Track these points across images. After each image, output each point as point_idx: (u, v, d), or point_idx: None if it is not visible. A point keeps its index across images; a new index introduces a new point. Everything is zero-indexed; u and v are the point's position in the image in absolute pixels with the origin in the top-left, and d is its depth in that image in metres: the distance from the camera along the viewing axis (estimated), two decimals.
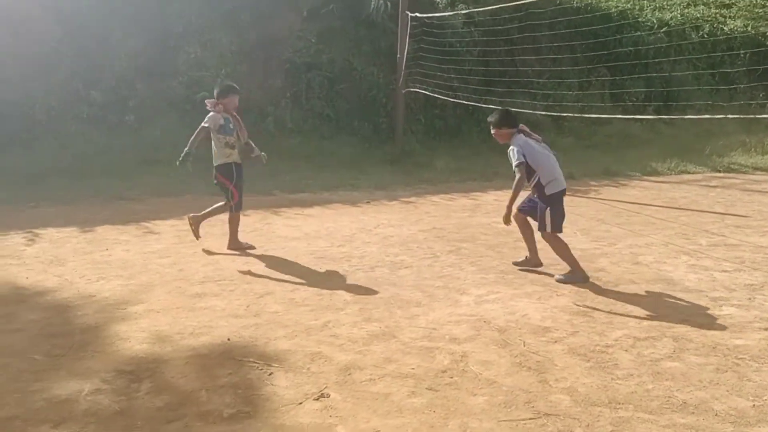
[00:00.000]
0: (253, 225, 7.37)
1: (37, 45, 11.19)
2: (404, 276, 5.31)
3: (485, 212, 8.08)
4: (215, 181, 6.26)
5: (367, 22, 13.25)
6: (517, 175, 5.15)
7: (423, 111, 13.78)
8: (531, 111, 12.66)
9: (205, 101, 6.17)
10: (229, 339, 3.95)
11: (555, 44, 15.23)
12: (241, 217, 6.45)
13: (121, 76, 11.58)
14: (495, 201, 8.84)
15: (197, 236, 6.37)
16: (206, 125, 5.94)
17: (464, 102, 12.38)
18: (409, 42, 12.32)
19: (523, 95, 14.03)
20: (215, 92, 6.09)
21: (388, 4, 12.69)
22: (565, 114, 12.65)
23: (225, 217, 6.36)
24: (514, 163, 5.15)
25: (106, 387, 3.30)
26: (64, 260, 5.83)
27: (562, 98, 14.60)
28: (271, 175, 10.18)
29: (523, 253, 5.72)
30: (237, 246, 6.24)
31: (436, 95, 12.20)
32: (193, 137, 5.96)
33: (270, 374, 3.44)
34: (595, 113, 13.95)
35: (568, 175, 10.76)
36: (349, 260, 5.81)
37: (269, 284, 5.11)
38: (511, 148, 5.27)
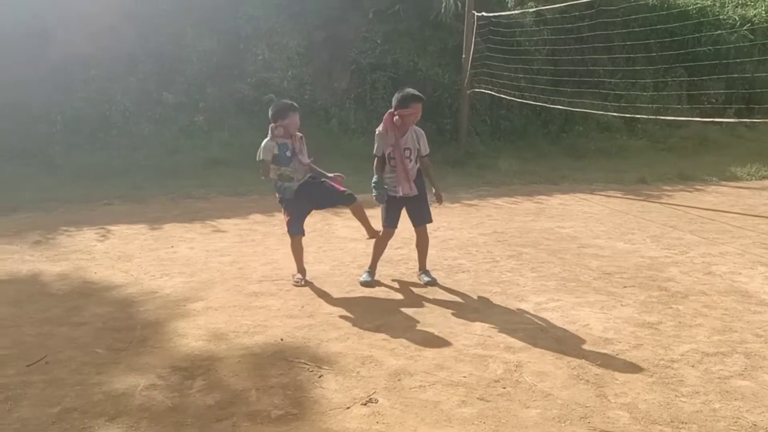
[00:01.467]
0: (314, 225, 7.40)
1: (115, 48, 11.67)
2: (461, 280, 5.22)
3: (549, 216, 7.86)
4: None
5: (435, 22, 13.15)
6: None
7: (488, 112, 13.57)
8: (602, 112, 12.27)
9: (270, 128, 5.19)
10: (282, 339, 3.97)
11: (628, 43, 14.69)
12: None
13: (192, 79, 11.93)
14: (560, 205, 8.59)
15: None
16: (263, 158, 5.08)
17: (531, 102, 12.10)
18: (475, 41, 12.15)
19: (594, 96, 13.59)
20: (270, 113, 5.17)
21: (459, 3, 12.55)
22: (638, 116, 12.19)
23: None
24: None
25: (161, 383, 3.37)
26: (131, 256, 6.03)
27: (635, 99, 14.07)
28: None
29: (585, 261, 5.52)
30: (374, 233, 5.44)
31: (502, 95, 11.98)
32: (266, 176, 5.22)
33: (320, 376, 3.43)
34: (671, 115, 13.42)
35: (639, 180, 10.47)
36: (406, 263, 5.76)
37: (326, 285, 5.12)
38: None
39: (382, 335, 4.02)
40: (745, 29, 15.28)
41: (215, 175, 10.30)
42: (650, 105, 13.86)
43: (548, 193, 9.50)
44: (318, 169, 5.54)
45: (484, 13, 11.32)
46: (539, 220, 7.61)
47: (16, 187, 9.29)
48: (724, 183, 10.56)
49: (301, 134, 5.37)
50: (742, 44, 14.99)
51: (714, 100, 14.82)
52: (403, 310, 4.50)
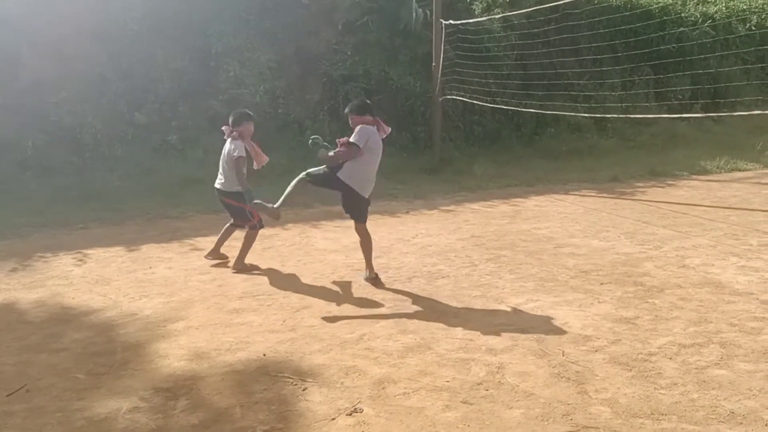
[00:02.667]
0: (292, 239, 7.43)
1: (85, 71, 11.58)
2: (441, 286, 5.26)
3: (525, 218, 7.95)
4: (223, 204, 6.37)
5: (404, 32, 13.26)
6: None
7: (461, 118, 13.69)
8: (572, 113, 12.45)
9: (222, 128, 6.27)
10: (264, 354, 3.97)
11: (594, 44, 14.96)
12: (282, 231, 6.51)
13: (164, 98, 11.87)
14: (536, 207, 8.69)
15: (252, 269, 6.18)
16: (243, 155, 6.00)
17: (503, 107, 12.25)
18: (444, 49, 12.29)
19: (564, 97, 13.81)
20: (230, 120, 6.17)
21: (427, 12, 12.68)
22: (608, 115, 12.40)
23: (250, 233, 6.31)
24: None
25: (143, 405, 3.35)
26: (109, 279, 5.98)
27: (604, 99, 14.31)
28: (312, 188, 10.25)
29: (561, 260, 5.60)
30: (243, 267, 6.10)
31: (474, 101, 12.10)
32: (240, 176, 6.02)
33: (304, 389, 3.44)
34: (640, 113, 13.67)
35: (612, 178, 10.64)
36: (386, 271, 5.79)
37: (306, 298, 5.13)
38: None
39: (365, 344, 4.04)
40: (707, 26, 15.64)
41: (191, 193, 10.24)
42: (619, 104, 14.11)
43: (524, 195, 9.62)
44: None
45: (451, 21, 11.45)
46: (516, 223, 7.70)
47: None
48: (694, 177, 10.77)
49: (256, 140, 6.42)
50: (704, 40, 15.33)
51: (680, 97, 15.11)
52: (385, 318, 4.52)
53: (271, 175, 11.11)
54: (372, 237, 5.63)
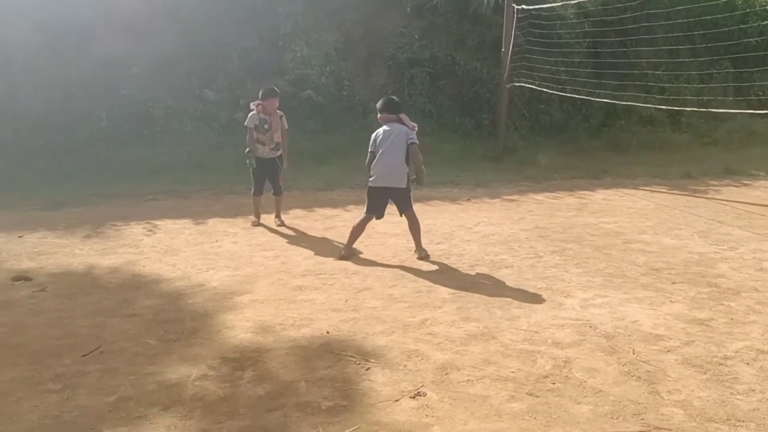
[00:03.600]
0: (354, 220, 7.44)
1: (157, 47, 11.88)
2: (505, 276, 5.18)
3: (592, 212, 7.74)
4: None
5: (473, 16, 13.06)
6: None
7: (527, 106, 13.43)
8: (646, 104, 12.00)
9: (251, 104, 7.19)
10: (328, 332, 4.00)
11: (672, 35, 14.37)
12: (343, 212, 6.62)
13: (233, 76, 12.07)
14: (603, 200, 8.46)
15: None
16: (247, 125, 7.08)
17: (573, 96, 11.91)
18: (515, 35, 12.03)
19: (636, 89, 13.31)
20: (259, 94, 7.08)
21: None
22: (682, 108, 11.92)
23: (329, 212, 6.51)
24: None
25: (212, 373, 3.43)
26: (178, 250, 6.14)
27: (679, 92, 13.74)
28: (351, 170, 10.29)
29: (631, 256, 5.43)
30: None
31: (544, 89, 11.82)
32: (250, 139, 7.11)
33: (367, 369, 3.45)
34: (716, 108, 13.07)
35: (684, 174, 10.25)
36: (448, 258, 5.74)
37: (368, 279, 5.14)
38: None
39: (427, 329, 4.02)
40: None
41: None
42: (695, 98, 13.55)
43: (590, 188, 9.37)
44: (284, 153, 7.31)
45: (524, 6, 11.18)
46: (582, 216, 7.51)
47: (63, 183, 9.56)
48: None
49: (281, 113, 7.21)
50: None
51: (761, 93, 14.38)
52: (448, 305, 4.49)
53: (334, 156, 11.25)
54: (424, 224, 5.83)
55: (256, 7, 12.51)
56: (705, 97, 13.72)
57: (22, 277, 5.21)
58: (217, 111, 11.83)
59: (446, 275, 5.22)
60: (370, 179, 5.82)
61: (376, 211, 5.87)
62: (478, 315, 4.27)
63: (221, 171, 10.36)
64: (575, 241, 6.31)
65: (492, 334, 3.93)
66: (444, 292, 4.78)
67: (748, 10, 14.87)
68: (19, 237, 6.67)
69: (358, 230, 5.95)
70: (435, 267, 5.48)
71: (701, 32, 14.51)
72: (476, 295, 4.70)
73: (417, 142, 5.75)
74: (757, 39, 14.47)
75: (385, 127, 5.81)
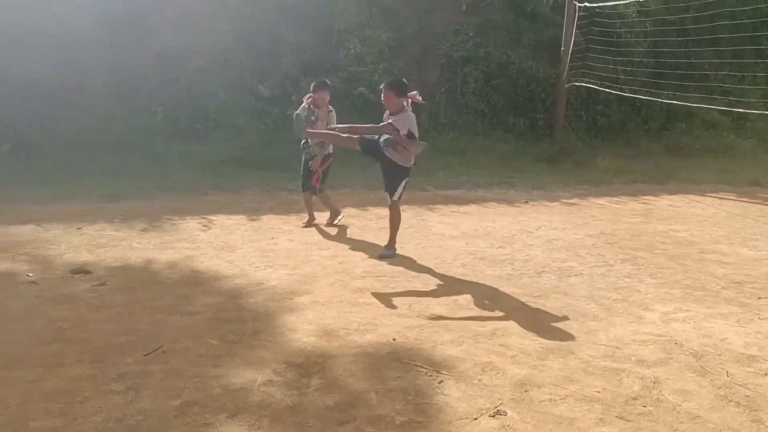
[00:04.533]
0: (409, 221, 7.27)
1: (212, 41, 11.93)
2: (575, 284, 4.93)
3: (660, 218, 7.40)
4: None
5: (530, 14, 12.73)
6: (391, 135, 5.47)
7: (584, 107, 13.06)
8: (709, 106, 11.51)
9: (304, 97, 6.93)
10: (394, 339, 3.83)
11: (736, 35, 13.78)
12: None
13: (286, 72, 12.02)
14: (669, 206, 8.10)
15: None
16: (298, 112, 6.82)
17: (635, 96, 11.50)
18: (575, 34, 11.68)
19: (698, 91, 12.79)
20: (311, 86, 6.87)
21: None
22: (747, 111, 11.38)
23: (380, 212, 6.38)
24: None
25: (278, 379, 3.29)
26: (234, 247, 6.07)
27: (743, 95, 13.16)
28: (424, 170, 10.08)
29: (708, 268, 5.11)
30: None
31: (606, 89, 11.44)
32: (296, 129, 6.82)
33: (440, 382, 3.26)
34: None
35: (752, 181, 9.76)
36: (512, 263, 5.51)
37: (430, 283, 4.95)
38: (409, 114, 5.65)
39: (499, 340, 3.81)
40: None
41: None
42: (761, 101, 12.95)
43: (654, 193, 8.99)
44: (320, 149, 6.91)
45: (587, 4, 10.82)
46: (649, 222, 7.17)
47: (122, 176, 9.64)
48: None
49: (332, 109, 6.93)
50: None
51: None
52: (518, 314, 4.27)
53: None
54: (482, 226, 5.63)
55: (312, 3, 12.43)
56: None
57: (82, 270, 5.19)
58: (270, 107, 11.80)
59: (512, 282, 4.99)
60: (413, 163, 5.81)
61: None
62: (551, 326, 4.04)
63: (272, 167, 10.32)
64: (646, 249, 6.00)
65: (569, 348, 3.70)
66: (512, 300, 4.56)
67: None
68: (78, 229, 6.70)
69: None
70: (500, 272, 5.26)
71: (767, 33, 13.86)
72: (547, 304, 4.46)
73: None
74: None
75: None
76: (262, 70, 12.03)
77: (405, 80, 5.95)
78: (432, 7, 13.05)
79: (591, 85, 11.67)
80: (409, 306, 4.43)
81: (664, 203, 8.30)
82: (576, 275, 5.17)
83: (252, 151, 10.82)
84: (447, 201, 8.41)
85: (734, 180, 9.82)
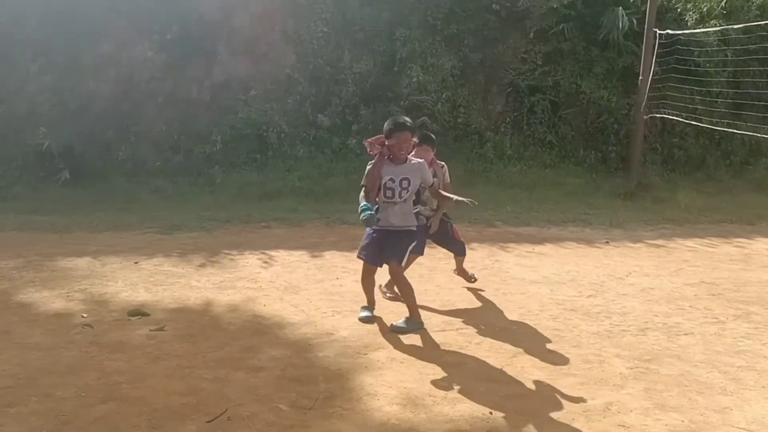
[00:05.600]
0: (482, 261, 6.76)
1: (274, 69, 11.77)
2: (688, 346, 4.30)
3: (762, 265, 6.67)
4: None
5: (603, 41, 12.14)
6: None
7: (659, 139, 12.33)
8: None
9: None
10: (491, 413, 3.30)
11: None
12: (468, 251, 5.87)
13: (347, 101, 11.74)
14: (767, 250, 7.34)
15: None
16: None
17: (716, 127, 10.75)
18: (667, 62, 11.03)
19: None
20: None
21: (634, 21, 11.52)
22: None
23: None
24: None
25: None
26: (297, 287, 5.66)
27: None
28: (490, 205, 9.58)
29: None
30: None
31: (689, 121, 10.74)
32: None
33: None
34: None
35: None
36: (609, 317, 4.91)
37: (521, 340, 4.40)
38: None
39: (616, 419, 3.23)
40: None
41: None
42: None
43: (746, 235, 8.23)
44: (449, 200, 5.02)
45: (669, 31, 10.19)
46: (752, 270, 6.46)
47: (179, 205, 9.46)
48: None
49: (443, 164, 5.70)
50: None
51: None
52: (630, 383, 3.68)
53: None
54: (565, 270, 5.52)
55: (373, 30, 12.18)
56: None
57: (140, 312, 4.84)
58: (330, 137, 11.51)
59: (614, 340, 4.40)
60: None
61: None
62: (676, 402, 3.43)
63: (332, 198, 9.99)
64: (758, 303, 5.31)
65: (702, 431, 3.10)
66: (619, 364, 3.97)
67: None
68: (135, 263, 6.42)
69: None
70: (597, 327, 4.67)
71: None
72: (662, 371, 3.85)
73: None
74: None
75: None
76: (322, 98, 11.80)
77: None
78: (497, 35, 12.62)
79: (671, 117, 10.96)
80: (501, 368, 3.89)
81: (762, 247, 7.54)
82: (686, 334, 4.53)
83: (311, 182, 10.53)
84: (519, 239, 7.85)
85: None
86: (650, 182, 10.90)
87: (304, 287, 5.67)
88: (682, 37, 11.29)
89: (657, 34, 10.38)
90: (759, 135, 10.94)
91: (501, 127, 12.15)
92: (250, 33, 11.87)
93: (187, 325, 4.64)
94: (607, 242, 7.77)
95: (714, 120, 11.72)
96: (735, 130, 11.02)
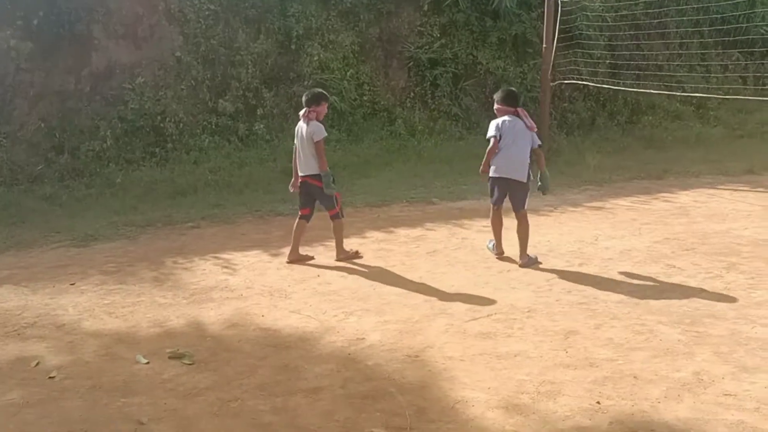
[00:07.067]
0: (449, 241, 6.59)
1: (161, 54, 10.69)
2: (713, 304, 4.42)
3: (704, 216, 7.12)
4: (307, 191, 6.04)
5: (494, 11, 12.34)
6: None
7: (552, 104, 12.81)
8: (665, 92, 11.61)
9: (300, 113, 5.98)
10: (598, 402, 3.14)
11: (681, 29, 14.15)
12: (426, 231, 5.84)
13: (248, 84, 10.97)
14: (696, 203, 7.87)
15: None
16: (325, 135, 5.85)
17: (619, 88, 11.43)
18: (542, 30, 11.41)
19: (658, 85, 12.90)
20: (305, 99, 5.92)
21: None
22: (693, 95, 11.74)
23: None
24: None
25: None
26: (284, 291, 5.16)
27: (697, 85, 13.42)
28: (419, 182, 9.44)
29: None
30: (346, 255, 5.96)
31: (598, 85, 11.36)
32: (322, 156, 5.80)
33: None
34: (738, 100, 12.81)
35: (747, 170, 9.81)
36: (617, 284, 4.95)
37: (557, 319, 4.29)
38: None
39: (717, 388, 3.21)
40: None
41: None
42: (717, 89, 13.27)
43: (666, 190, 8.76)
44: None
45: None
46: (699, 222, 6.86)
47: (81, 212, 8.34)
48: None
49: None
50: None
51: None
52: (697, 348, 3.70)
53: (368, 168, 10.32)
54: (535, 240, 5.78)
55: (265, 7, 11.43)
56: (723, 89, 13.45)
57: (182, 354, 4.00)
58: (234, 123, 10.71)
59: (643, 307, 4.42)
60: (493, 168, 5.74)
61: (499, 201, 5.86)
62: (752, 362, 3.49)
63: (255, 190, 9.31)
64: (732, 253, 5.63)
65: None
66: (668, 331, 3.99)
67: None
68: (72, 284, 5.52)
69: (497, 224, 5.89)
70: (616, 297, 4.67)
71: (711, 27, 14.22)
72: (712, 332, 3.93)
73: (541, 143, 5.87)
74: (766, 28, 14.31)
75: (506, 118, 5.68)
76: (219, 82, 10.91)
77: (511, 89, 6.23)
78: (392, 9, 12.39)
79: (576, 81, 11.46)
80: (566, 351, 3.76)
81: (688, 199, 8.06)
82: (701, 292, 4.68)
83: (226, 173, 9.73)
84: (468, 215, 7.75)
85: (728, 170, 9.80)
86: (559, 146, 11.33)
87: (291, 290, 5.17)
88: (568, 5, 11.74)
89: (558, 1, 10.69)
90: (649, 91, 11.76)
91: (407, 102, 12.01)
92: (130, 13, 10.64)
93: (191, 351, 4.02)
94: (554, 209, 7.91)
95: (598, 79, 12.36)
96: (645, 90, 11.71)
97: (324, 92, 6.10)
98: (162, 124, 10.24)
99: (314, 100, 5.85)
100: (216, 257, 6.25)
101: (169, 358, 3.88)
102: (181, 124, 10.38)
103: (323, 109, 5.95)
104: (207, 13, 11.09)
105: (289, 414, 3.17)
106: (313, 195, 5.99)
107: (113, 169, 9.66)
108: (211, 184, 9.40)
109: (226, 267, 5.92)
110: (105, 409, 3.31)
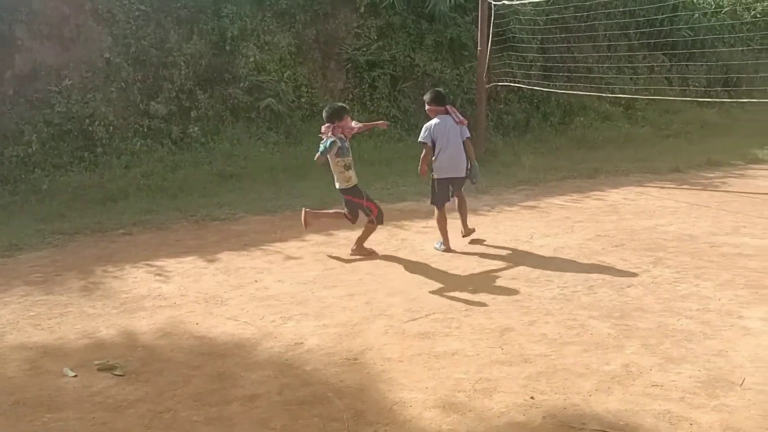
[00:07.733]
0: (389, 242, 6.60)
1: (89, 55, 10.32)
2: (639, 298, 4.59)
3: (632, 213, 7.37)
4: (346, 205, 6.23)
5: (429, 14, 12.47)
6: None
7: (487, 106, 13.03)
8: (596, 94, 11.99)
9: (323, 127, 5.96)
10: (532, 397, 3.20)
11: (610, 32, 14.64)
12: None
13: (181, 86, 10.71)
14: (626, 200, 8.14)
15: (306, 225, 6.29)
16: (327, 149, 5.82)
17: (554, 90, 11.71)
18: (476, 33, 11.58)
19: (588, 87, 13.31)
20: (325, 115, 5.96)
21: None
22: (622, 96, 12.22)
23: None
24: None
25: None
26: (219, 297, 5.05)
27: (625, 86, 13.92)
28: (361, 182, 9.43)
29: (739, 261, 5.03)
30: (361, 251, 6.11)
31: (533, 87, 11.59)
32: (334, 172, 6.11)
33: None
34: (664, 101, 13.35)
35: (673, 169, 10.22)
36: (549, 280, 5.07)
37: (493, 316, 4.35)
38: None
39: (645, 380, 3.32)
40: (723, 12, 15.50)
41: (228, 191, 9.24)
42: (644, 90, 13.81)
43: (597, 188, 9.03)
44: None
45: (505, 2, 10.71)
46: (627, 219, 7.10)
47: (6, 220, 7.97)
48: (753, 166, 10.45)
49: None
50: (714, 24, 15.18)
51: (697, 84, 14.95)
52: (625, 342, 3.80)
53: (306, 170, 10.22)
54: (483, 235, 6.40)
55: (198, 7, 11.19)
56: (650, 90, 14.01)
57: (111, 366, 3.84)
58: (167, 126, 10.43)
59: (574, 302, 4.54)
60: (435, 173, 6.12)
61: (445, 199, 6.21)
62: (677, 353, 3.63)
63: (188, 194, 9.09)
64: (658, 248, 5.85)
65: (724, 377, 3.30)
66: (599, 325, 4.10)
67: (677, 1, 15.30)
68: None
69: (444, 222, 6.17)
70: (547, 292, 4.78)
71: (645, 30, 14.77)
72: (640, 326, 4.06)
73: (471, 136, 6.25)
74: (688, 32, 14.96)
75: (436, 121, 6.06)
76: (151, 84, 10.61)
77: (439, 90, 6.58)
78: (328, 10, 12.35)
79: (510, 84, 11.69)
80: (501, 348, 3.81)
81: (618, 197, 8.34)
82: (629, 286, 4.83)
83: (159, 177, 9.46)
84: (408, 216, 7.80)
85: (656, 169, 10.18)
86: (496, 147, 11.52)
87: (227, 296, 5.07)
88: (501, 9, 11.96)
89: (491, 5, 10.85)
90: (576, 93, 12.10)
91: (346, 104, 11.91)
92: (55, 13, 10.23)
93: (122, 362, 3.88)
94: (491, 209, 8.03)
95: (532, 81, 12.65)
96: (585, 93, 12.02)
97: (344, 106, 6.22)
98: (91, 128, 9.89)
99: (336, 116, 5.91)
100: (148, 264, 6.06)
101: (98, 370, 3.73)
102: (111, 128, 10.04)
103: (345, 123, 5.99)
104: (137, 13, 10.78)
105: (224, 423, 3.09)
106: (352, 206, 6.20)
107: (39, 174, 9.27)
108: (143, 189, 9.12)
109: (159, 274, 5.75)
110: (29, 426, 3.16)
